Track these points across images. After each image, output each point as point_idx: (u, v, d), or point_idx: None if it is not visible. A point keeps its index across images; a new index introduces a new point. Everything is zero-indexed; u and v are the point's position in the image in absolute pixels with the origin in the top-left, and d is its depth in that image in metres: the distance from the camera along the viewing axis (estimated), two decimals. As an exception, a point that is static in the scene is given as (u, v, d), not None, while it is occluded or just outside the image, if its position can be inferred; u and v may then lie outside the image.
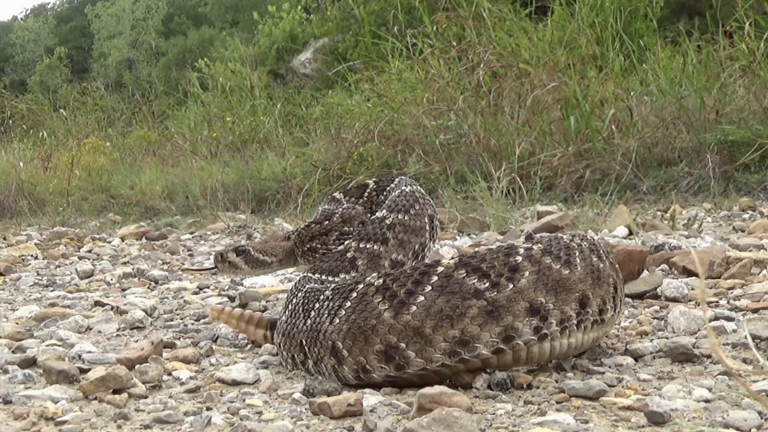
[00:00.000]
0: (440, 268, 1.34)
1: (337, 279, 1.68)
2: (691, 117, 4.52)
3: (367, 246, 1.80)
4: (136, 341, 1.83)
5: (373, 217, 1.90)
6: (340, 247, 1.83)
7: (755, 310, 1.79)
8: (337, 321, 1.37)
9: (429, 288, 1.32)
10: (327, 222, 1.99)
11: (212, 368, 1.57)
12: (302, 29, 12.07)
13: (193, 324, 2.00)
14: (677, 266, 2.27)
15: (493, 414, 1.25)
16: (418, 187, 1.96)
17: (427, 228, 1.90)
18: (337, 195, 2.10)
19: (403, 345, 1.32)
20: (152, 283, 2.64)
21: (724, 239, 2.84)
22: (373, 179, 2.09)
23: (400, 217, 1.86)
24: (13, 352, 1.71)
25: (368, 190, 2.06)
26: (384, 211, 1.88)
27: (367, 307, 1.35)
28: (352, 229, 1.96)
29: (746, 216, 3.53)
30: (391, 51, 5.81)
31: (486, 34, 5.31)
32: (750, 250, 2.45)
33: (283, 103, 7.32)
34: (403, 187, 1.94)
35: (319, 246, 1.99)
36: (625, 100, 4.73)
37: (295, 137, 6.47)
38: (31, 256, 3.40)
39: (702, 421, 1.18)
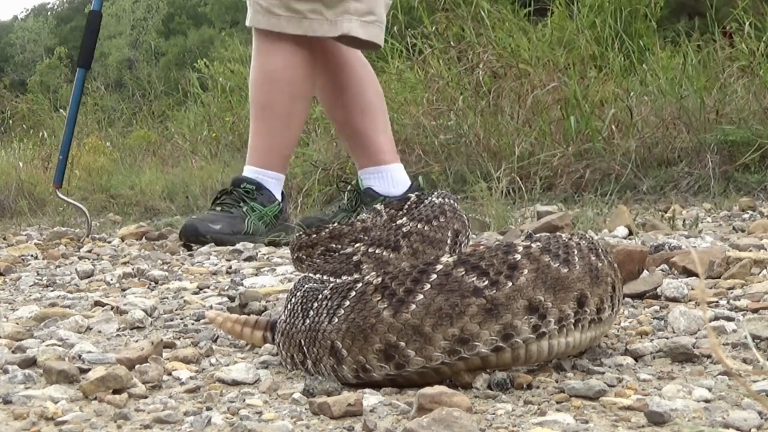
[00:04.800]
0: (439, 266, 1.34)
1: (338, 281, 1.67)
2: (691, 117, 4.53)
3: (376, 251, 1.78)
4: (136, 341, 1.82)
5: (392, 224, 1.88)
6: (348, 250, 1.81)
7: (755, 310, 1.79)
8: (336, 320, 1.37)
9: (428, 286, 1.32)
10: (315, 236, 1.98)
11: (212, 368, 1.57)
12: (302, 29, 12.05)
13: (193, 324, 2.00)
14: (677, 266, 2.27)
15: (493, 414, 1.24)
16: (451, 201, 1.94)
17: (449, 242, 1.87)
18: (377, 206, 2.09)
19: (402, 344, 1.32)
20: (152, 283, 2.64)
21: (724, 239, 2.83)
22: (416, 193, 2.08)
23: (419, 226, 1.82)
24: (13, 352, 1.71)
25: (409, 203, 2.04)
26: (404, 219, 1.86)
27: (366, 305, 1.35)
28: (339, 246, 1.95)
29: (746, 216, 3.53)
30: (390, 51, 5.81)
31: (485, 34, 5.32)
32: (750, 250, 2.45)
33: (283, 103, 7.29)
34: (434, 199, 1.91)
35: (304, 257, 1.99)
36: (625, 100, 4.73)
37: (295, 137, 6.46)
38: (31, 256, 3.40)
39: (702, 421, 1.18)
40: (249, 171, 3.59)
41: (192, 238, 3.38)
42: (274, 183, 3.61)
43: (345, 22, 3.41)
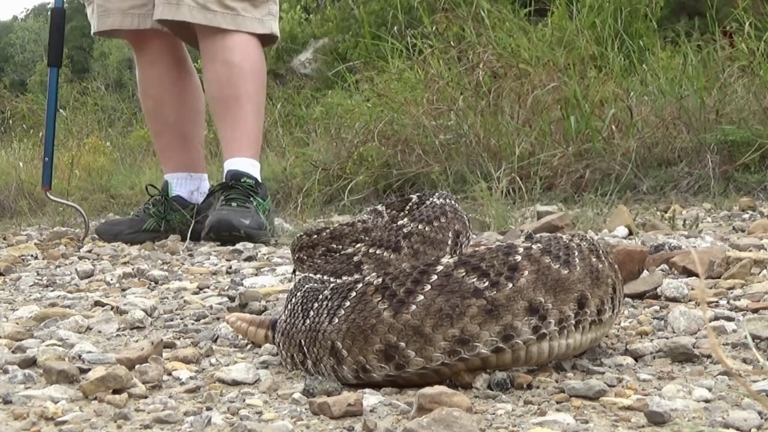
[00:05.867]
0: (440, 267, 1.34)
1: (339, 281, 1.67)
2: (691, 117, 4.52)
3: (377, 252, 1.78)
4: (136, 341, 1.83)
5: (392, 224, 1.89)
6: (349, 250, 1.81)
7: (755, 310, 1.79)
8: (336, 320, 1.37)
9: (428, 287, 1.32)
10: (316, 236, 1.99)
11: (212, 368, 1.57)
12: (302, 29, 12.07)
13: (193, 324, 2.00)
14: (677, 266, 2.27)
15: (493, 414, 1.24)
16: (452, 201, 1.94)
17: (450, 243, 1.87)
18: (379, 207, 2.10)
19: (402, 344, 1.32)
20: (152, 283, 2.64)
21: (724, 239, 2.83)
22: (417, 194, 2.08)
23: (420, 227, 1.82)
24: (13, 352, 1.71)
25: (410, 204, 2.05)
26: (405, 219, 1.86)
27: (367, 306, 1.35)
28: (340, 246, 1.96)
29: (746, 216, 3.52)
30: (390, 51, 5.81)
31: (485, 34, 5.31)
32: (750, 250, 2.44)
33: (283, 103, 7.31)
34: (434, 200, 1.92)
35: (305, 257, 1.99)
36: (625, 100, 4.73)
37: (295, 137, 6.47)
38: (31, 256, 3.40)
39: (702, 421, 1.18)
40: (240, 163, 3.59)
41: (225, 233, 3.36)
42: (258, 172, 3.65)
43: (270, 22, 3.67)
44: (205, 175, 3.92)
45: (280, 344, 1.54)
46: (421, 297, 1.32)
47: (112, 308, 2.16)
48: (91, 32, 3.91)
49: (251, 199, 3.51)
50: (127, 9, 3.65)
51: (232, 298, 2.25)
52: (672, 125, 4.55)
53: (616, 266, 1.50)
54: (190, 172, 3.83)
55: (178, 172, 3.82)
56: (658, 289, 1.99)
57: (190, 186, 3.80)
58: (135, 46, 3.84)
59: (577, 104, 4.62)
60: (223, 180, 3.60)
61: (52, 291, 2.57)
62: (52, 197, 4.13)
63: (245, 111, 3.61)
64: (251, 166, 3.60)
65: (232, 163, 3.60)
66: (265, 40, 3.74)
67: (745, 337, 1.55)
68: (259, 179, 3.61)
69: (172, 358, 1.61)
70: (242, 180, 3.54)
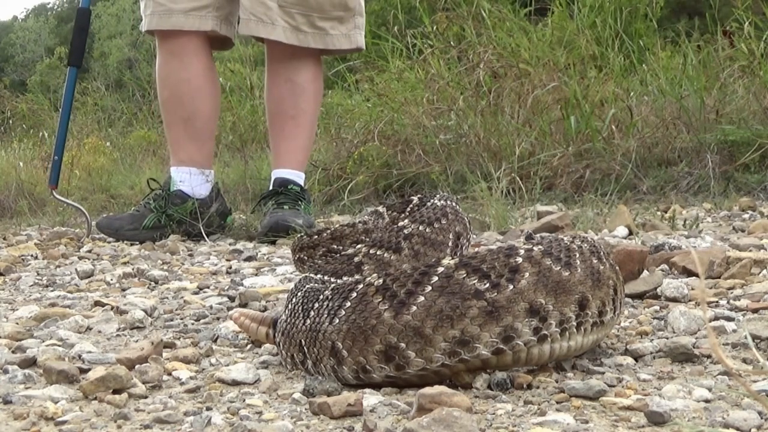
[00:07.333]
0: (440, 269, 1.34)
1: (339, 282, 1.67)
2: (691, 117, 4.52)
3: (377, 253, 1.78)
4: (136, 341, 1.83)
5: (393, 226, 1.89)
6: (350, 251, 1.82)
7: (755, 310, 1.79)
8: (337, 321, 1.37)
9: (429, 288, 1.32)
10: (317, 237, 1.99)
11: (212, 368, 1.57)
12: (302, 29, 12.03)
13: (193, 324, 2.00)
14: (677, 266, 2.27)
15: (493, 414, 1.25)
16: (453, 203, 1.95)
17: (450, 244, 1.87)
18: (380, 209, 2.11)
19: (403, 345, 1.32)
20: (152, 283, 2.64)
21: (724, 239, 2.83)
22: (418, 195, 2.09)
23: (421, 228, 1.83)
24: (13, 352, 1.71)
25: (411, 206, 2.05)
26: (406, 221, 1.86)
27: (367, 307, 1.35)
28: (341, 247, 1.96)
29: (746, 216, 3.52)
30: (390, 51, 5.80)
31: (486, 34, 5.31)
32: (750, 250, 2.45)
33: (284, 103, 7.28)
34: (435, 201, 1.92)
35: (306, 258, 2.00)
36: (625, 100, 4.73)
37: (295, 137, 6.44)
38: (31, 256, 3.40)
39: (702, 421, 1.18)
40: (287, 174, 3.82)
41: (282, 233, 3.50)
42: (303, 181, 3.91)
43: (357, 36, 3.82)
44: (212, 170, 3.93)
45: (281, 344, 1.54)
46: (422, 298, 1.32)
47: (112, 308, 2.16)
48: (143, 29, 3.86)
49: (299, 203, 3.69)
50: (189, 10, 3.66)
51: (232, 298, 2.25)
52: (672, 125, 4.55)
53: (617, 268, 1.50)
54: (198, 167, 3.84)
55: (186, 166, 3.83)
56: (658, 289, 1.99)
57: (195, 180, 3.81)
58: (162, 38, 3.81)
59: (577, 104, 4.62)
60: (271, 188, 3.82)
61: (52, 291, 2.57)
62: (57, 196, 4.14)
63: (300, 129, 3.84)
64: (297, 177, 3.85)
65: (280, 173, 3.83)
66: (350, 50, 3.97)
67: (745, 337, 1.55)
68: (305, 187, 3.86)
69: (172, 358, 1.61)
70: (289, 187, 3.78)
